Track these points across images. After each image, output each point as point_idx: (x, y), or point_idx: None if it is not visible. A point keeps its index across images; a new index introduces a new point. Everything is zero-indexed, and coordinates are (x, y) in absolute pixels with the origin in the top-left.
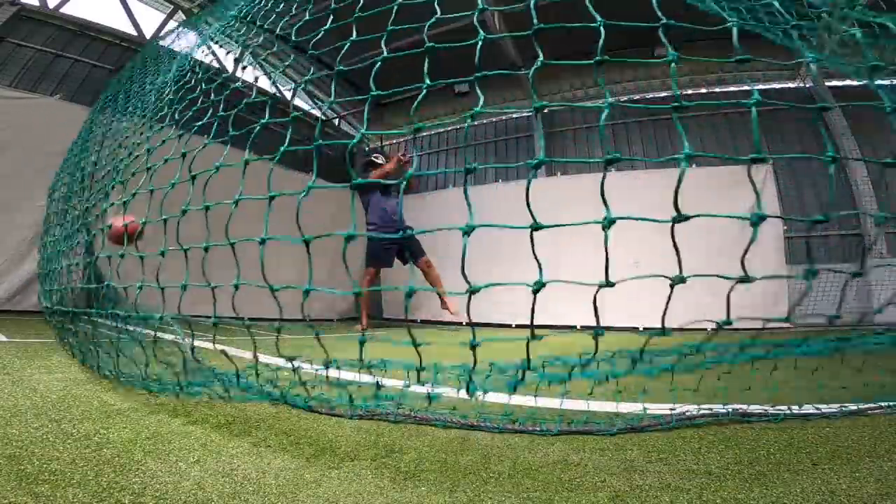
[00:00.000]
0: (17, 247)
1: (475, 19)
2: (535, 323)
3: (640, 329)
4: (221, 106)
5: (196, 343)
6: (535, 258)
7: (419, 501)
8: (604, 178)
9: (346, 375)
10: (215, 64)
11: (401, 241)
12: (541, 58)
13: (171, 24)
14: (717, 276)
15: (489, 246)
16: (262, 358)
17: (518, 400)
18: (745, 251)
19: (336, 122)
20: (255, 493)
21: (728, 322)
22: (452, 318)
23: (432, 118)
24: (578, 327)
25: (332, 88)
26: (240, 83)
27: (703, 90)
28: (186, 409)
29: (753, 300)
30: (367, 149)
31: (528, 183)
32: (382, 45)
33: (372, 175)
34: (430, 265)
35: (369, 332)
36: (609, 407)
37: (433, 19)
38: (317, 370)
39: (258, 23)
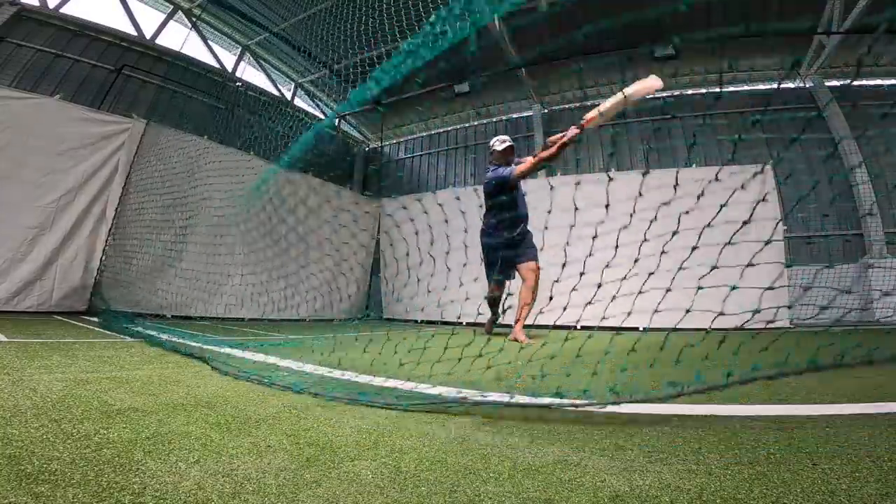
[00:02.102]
0: (18, 247)
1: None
2: (536, 323)
3: (641, 329)
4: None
5: (195, 343)
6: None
7: (419, 501)
8: None
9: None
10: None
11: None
12: None
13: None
14: None
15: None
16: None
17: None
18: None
19: (336, 121)
20: (255, 493)
21: None
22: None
23: (432, 118)
24: (578, 327)
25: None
26: (240, 84)
27: (704, 90)
28: (186, 409)
29: (753, 300)
30: (366, 149)
31: None
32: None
33: (516, 171)
34: (535, 275)
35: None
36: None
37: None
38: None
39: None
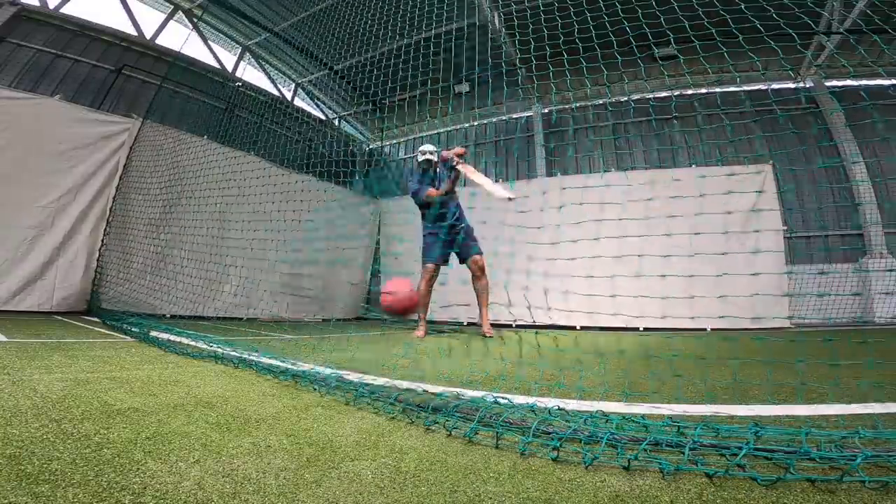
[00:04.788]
0: (18, 247)
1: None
2: (535, 323)
3: (641, 329)
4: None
5: (196, 343)
6: None
7: (419, 501)
8: None
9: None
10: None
11: (455, 237)
12: None
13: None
14: None
15: (489, 246)
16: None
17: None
18: None
19: (336, 121)
20: (255, 492)
21: None
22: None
23: (432, 118)
24: (578, 328)
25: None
26: (240, 84)
27: (704, 91)
28: (186, 409)
29: (753, 300)
30: (367, 149)
31: None
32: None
33: (428, 193)
34: (481, 268)
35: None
36: (614, 407)
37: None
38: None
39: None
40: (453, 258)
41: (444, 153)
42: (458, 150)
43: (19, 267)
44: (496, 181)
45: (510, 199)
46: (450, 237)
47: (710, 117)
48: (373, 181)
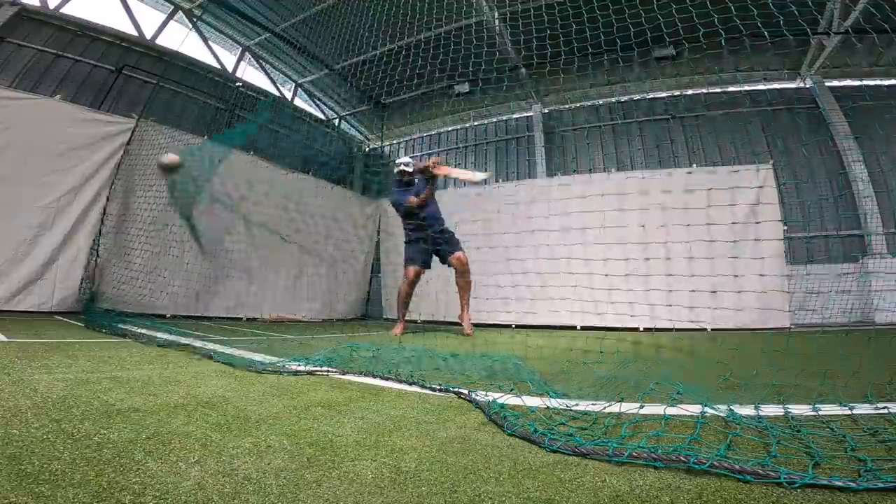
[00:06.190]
0: (18, 247)
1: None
2: (536, 324)
3: (640, 329)
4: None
5: (196, 343)
6: None
7: (419, 501)
8: None
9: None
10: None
11: (435, 240)
12: None
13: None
14: None
15: (489, 246)
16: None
17: (530, 402)
18: None
19: (336, 121)
20: (255, 493)
21: None
22: (465, 328)
23: (432, 118)
24: (578, 328)
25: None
26: (240, 84)
27: (704, 90)
28: (186, 409)
29: (754, 300)
30: (367, 150)
31: None
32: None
33: (411, 201)
34: (464, 265)
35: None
36: (612, 407)
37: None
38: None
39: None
40: (434, 261)
41: (419, 164)
42: (434, 159)
43: (20, 267)
44: (496, 181)
45: (485, 180)
46: (429, 242)
47: (711, 117)
48: (372, 180)
